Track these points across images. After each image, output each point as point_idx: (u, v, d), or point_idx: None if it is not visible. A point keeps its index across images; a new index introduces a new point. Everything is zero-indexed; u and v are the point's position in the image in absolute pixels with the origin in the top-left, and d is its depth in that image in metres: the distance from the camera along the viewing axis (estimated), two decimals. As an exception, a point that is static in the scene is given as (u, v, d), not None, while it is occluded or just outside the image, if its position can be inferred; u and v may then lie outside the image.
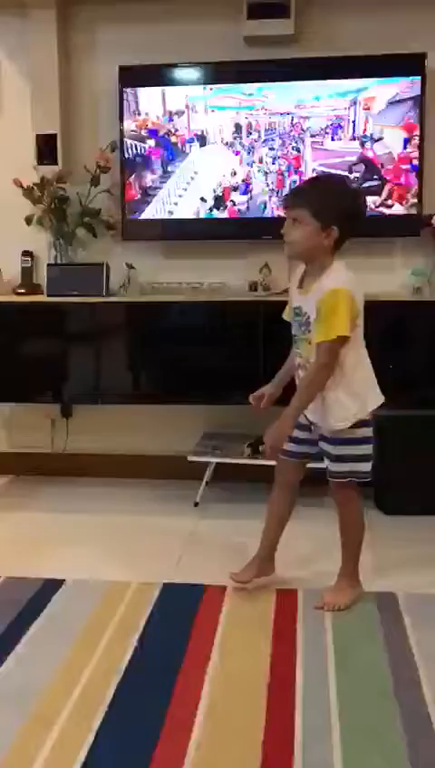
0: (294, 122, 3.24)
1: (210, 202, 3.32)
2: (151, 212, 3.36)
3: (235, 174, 3.29)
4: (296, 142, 3.24)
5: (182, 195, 3.35)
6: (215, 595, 2.37)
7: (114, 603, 2.32)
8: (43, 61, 3.35)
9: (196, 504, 3.24)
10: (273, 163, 3.27)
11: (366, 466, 2.26)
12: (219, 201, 3.31)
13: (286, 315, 2.35)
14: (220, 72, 3.28)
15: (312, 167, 3.25)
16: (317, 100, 3.21)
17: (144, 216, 3.37)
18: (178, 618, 2.24)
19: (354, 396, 2.19)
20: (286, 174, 3.27)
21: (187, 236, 3.40)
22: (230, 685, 1.90)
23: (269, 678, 1.92)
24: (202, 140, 3.31)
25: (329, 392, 2.17)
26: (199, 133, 3.30)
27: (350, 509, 2.34)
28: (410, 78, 3.14)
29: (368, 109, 3.19)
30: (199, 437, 3.45)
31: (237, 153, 3.29)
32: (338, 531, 2.36)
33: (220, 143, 3.30)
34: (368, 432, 2.24)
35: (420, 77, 3.14)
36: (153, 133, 3.32)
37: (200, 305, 3.19)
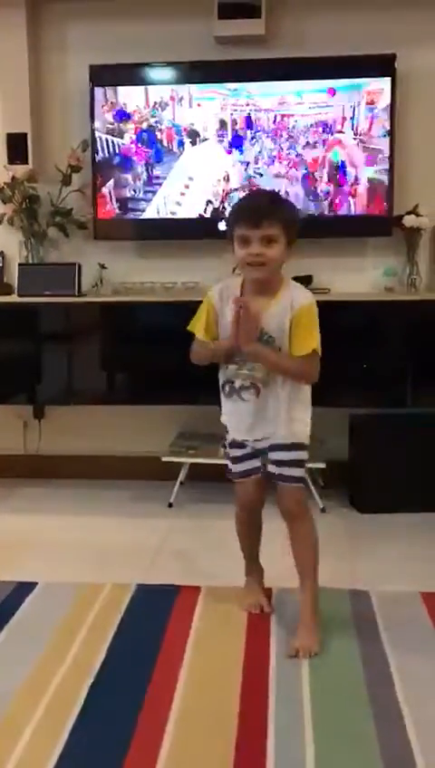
0: (277, 121, 3.24)
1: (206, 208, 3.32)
2: (126, 212, 3.36)
3: (227, 179, 3.29)
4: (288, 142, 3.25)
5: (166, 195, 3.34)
6: (188, 596, 2.37)
7: (87, 605, 2.31)
8: (12, 59, 3.32)
9: (170, 505, 3.23)
10: (272, 164, 3.27)
11: (300, 472, 2.18)
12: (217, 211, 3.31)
13: (203, 335, 2.15)
14: (191, 72, 3.27)
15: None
16: (299, 95, 3.22)
17: (115, 215, 3.36)
18: (152, 619, 2.23)
19: (306, 415, 2.17)
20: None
21: (159, 236, 3.39)
22: (203, 685, 1.90)
23: (242, 678, 1.92)
24: (190, 139, 3.31)
25: (293, 411, 2.12)
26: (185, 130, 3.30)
27: (309, 517, 2.19)
28: (381, 78, 3.16)
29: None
30: (173, 438, 3.44)
31: (229, 152, 3.29)
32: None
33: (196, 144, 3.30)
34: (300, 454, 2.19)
35: (389, 78, 3.16)
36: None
37: (174, 305, 3.19)
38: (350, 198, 3.26)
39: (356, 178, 3.24)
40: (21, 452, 3.67)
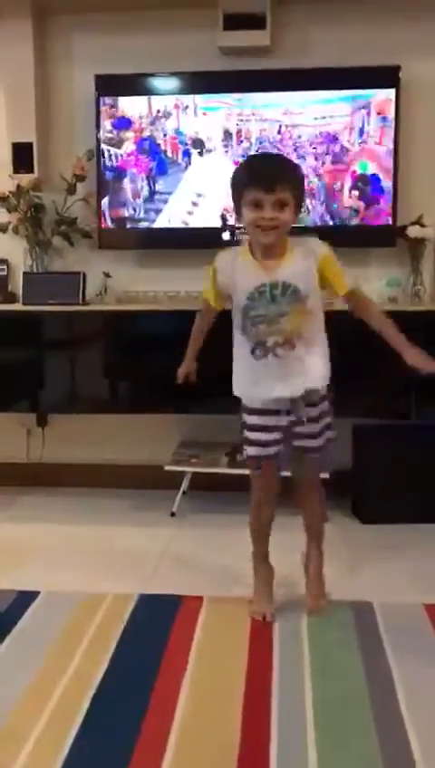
0: (282, 131, 3.25)
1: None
2: (131, 220, 3.37)
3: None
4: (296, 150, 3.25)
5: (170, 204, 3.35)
6: (191, 606, 2.36)
7: (89, 615, 2.30)
8: (19, 70, 3.34)
9: (172, 514, 3.23)
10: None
11: (333, 434, 2.31)
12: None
13: (216, 301, 2.25)
14: (196, 82, 3.29)
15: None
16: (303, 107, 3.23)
17: (120, 224, 3.37)
18: (155, 629, 2.22)
19: (328, 358, 2.25)
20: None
21: (163, 245, 3.40)
22: (206, 695, 1.89)
23: (245, 688, 1.92)
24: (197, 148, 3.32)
25: (322, 347, 2.21)
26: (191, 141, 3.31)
27: (322, 491, 2.37)
28: (385, 89, 3.17)
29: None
30: (176, 446, 3.44)
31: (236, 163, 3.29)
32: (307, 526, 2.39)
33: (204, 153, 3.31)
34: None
35: (394, 89, 3.17)
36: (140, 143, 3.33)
37: (177, 314, 3.19)
38: (354, 209, 3.26)
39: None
40: (24, 460, 3.67)
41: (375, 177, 3.23)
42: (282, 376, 2.15)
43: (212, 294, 2.24)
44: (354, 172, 3.24)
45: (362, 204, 3.26)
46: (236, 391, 2.25)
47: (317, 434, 2.25)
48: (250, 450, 2.26)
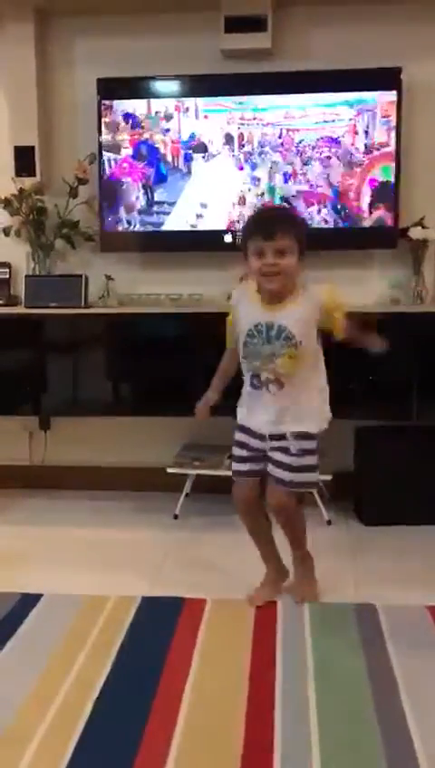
0: (283, 135, 3.25)
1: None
2: (131, 224, 3.37)
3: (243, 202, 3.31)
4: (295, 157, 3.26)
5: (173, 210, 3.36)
6: (194, 608, 2.36)
7: (93, 618, 2.31)
8: (20, 73, 3.35)
9: (175, 517, 3.23)
10: (285, 182, 3.28)
11: (314, 477, 2.36)
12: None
13: (232, 343, 2.40)
14: (198, 85, 3.29)
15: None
16: (303, 109, 3.23)
17: (122, 227, 3.37)
18: (158, 632, 2.23)
19: (324, 400, 2.33)
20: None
21: (165, 248, 3.40)
22: (209, 698, 1.89)
23: (248, 691, 1.91)
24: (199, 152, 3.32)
25: (310, 392, 2.29)
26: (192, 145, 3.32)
27: (298, 517, 2.41)
28: (387, 92, 3.18)
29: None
30: (179, 449, 3.44)
31: (241, 168, 3.30)
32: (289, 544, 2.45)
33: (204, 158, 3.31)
34: (315, 445, 2.32)
35: (395, 91, 3.17)
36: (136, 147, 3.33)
37: (179, 316, 3.20)
38: (357, 211, 3.26)
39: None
40: (26, 462, 3.67)
41: (376, 179, 3.23)
42: (270, 410, 2.28)
43: (230, 336, 2.38)
44: (356, 174, 3.24)
45: (363, 206, 3.26)
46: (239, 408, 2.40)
47: (294, 468, 2.28)
48: (232, 464, 2.41)
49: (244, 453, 2.36)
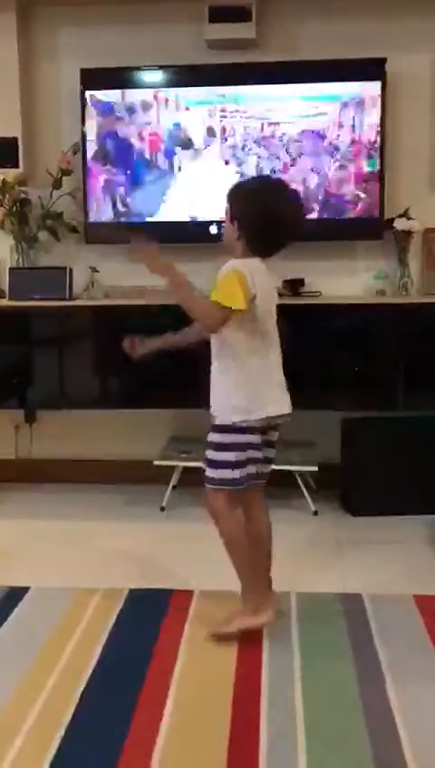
0: (264, 128, 3.24)
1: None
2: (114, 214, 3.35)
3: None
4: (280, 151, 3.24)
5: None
6: (182, 600, 2.36)
7: (80, 610, 2.30)
8: (3, 64, 3.32)
9: (162, 509, 3.23)
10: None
11: (228, 473, 2.07)
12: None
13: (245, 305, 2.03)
14: (183, 75, 3.28)
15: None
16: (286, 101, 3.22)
17: (106, 218, 3.36)
18: (145, 623, 2.23)
19: (238, 388, 2.07)
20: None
21: (151, 239, 3.38)
22: (196, 690, 1.89)
23: (235, 680, 1.92)
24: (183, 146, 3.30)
25: (221, 375, 2.10)
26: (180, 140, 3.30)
27: (219, 519, 2.15)
28: (371, 82, 3.17)
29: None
30: (166, 441, 3.43)
31: (227, 162, 3.29)
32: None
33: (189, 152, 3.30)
34: (240, 439, 2.07)
35: (380, 81, 3.17)
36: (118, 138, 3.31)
37: (165, 308, 3.18)
38: (342, 202, 3.26)
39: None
40: (12, 456, 3.66)
41: (361, 171, 3.23)
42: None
43: (245, 297, 2.00)
44: (340, 166, 3.24)
45: (348, 197, 3.26)
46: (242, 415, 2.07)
47: (208, 461, 2.11)
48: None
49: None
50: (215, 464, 2.09)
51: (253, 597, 2.12)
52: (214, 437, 2.09)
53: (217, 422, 2.09)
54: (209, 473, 2.10)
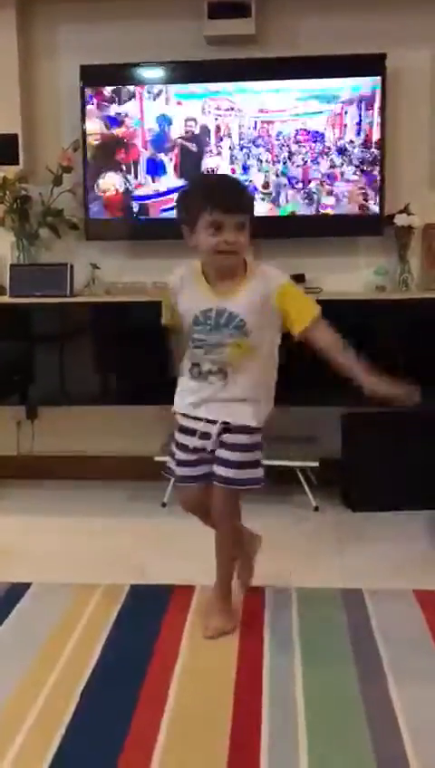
0: (263, 124, 3.24)
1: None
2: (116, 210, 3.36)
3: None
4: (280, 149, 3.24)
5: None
6: (183, 595, 2.37)
7: (81, 606, 2.31)
8: (2, 60, 3.31)
9: (163, 505, 3.23)
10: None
11: (260, 472, 2.10)
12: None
13: (169, 320, 2.14)
14: (183, 71, 3.27)
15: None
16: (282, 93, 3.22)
17: (107, 215, 3.36)
18: (146, 619, 2.23)
19: (269, 396, 2.13)
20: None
21: (151, 236, 3.39)
22: (197, 686, 1.90)
23: (236, 676, 1.93)
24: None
25: (267, 380, 2.10)
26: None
27: (235, 521, 2.21)
28: (371, 78, 3.17)
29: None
30: (166, 437, 3.43)
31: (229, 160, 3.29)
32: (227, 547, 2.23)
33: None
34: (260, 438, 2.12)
35: (380, 77, 3.17)
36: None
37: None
38: (342, 198, 3.26)
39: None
40: (14, 452, 3.66)
41: (361, 167, 3.23)
42: (206, 400, 2.07)
43: (166, 312, 2.12)
44: (341, 162, 3.24)
45: (349, 193, 3.26)
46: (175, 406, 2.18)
47: (234, 463, 2.07)
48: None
49: (181, 455, 2.16)
50: (254, 464, 2.08)
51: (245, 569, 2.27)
52: (244, 439, 2.06)
53: (255, 424, 2.07)
54: (238, 474, 2.06)
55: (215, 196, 1.93)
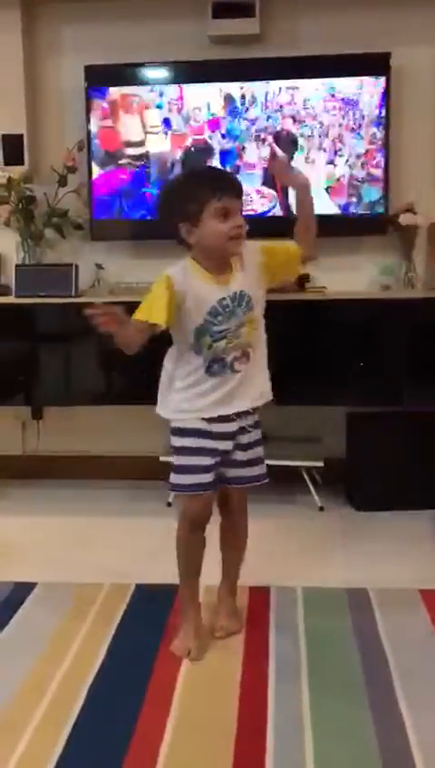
0: (268, 123, 3.24)
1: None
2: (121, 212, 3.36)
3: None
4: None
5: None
6: (188, 595, 2.37)
7: (87, 606, 2.32)
8: (8, 61, 3.32)
9: (169, 504, 3.24)
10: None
11: (265, 467, 2.14)
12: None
13: (166, 320, 2.00)
14: (187, 71, 3.27)
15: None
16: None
17: (112, 216, 3.36)
18: (152, 618, 2.24)
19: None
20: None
21: (155, 236, 3.38)
22: (203, 685, 1.91)
23: (242, 676, 1.93)
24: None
25: (263, 358, 2.08)
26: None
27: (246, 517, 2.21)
28: (375, 77, 3.16)
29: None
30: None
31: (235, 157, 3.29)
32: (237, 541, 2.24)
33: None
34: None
35: (384, 76, 3.16)
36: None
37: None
38: (347, 197, 3.26)
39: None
40: (19, 452, 3.67)
41: (366, 166, 3.23)
42: (231, 393, 2.03)
43: (165, 309, 1.98)
44: (345, 162, 3.23)
45: (353, 192, 3.26)
46: (175, 414, 2.15)
47: (253, 461, 2.11)
48: (187, 479, 2.10)
49: (207, 461, 2.07)
50: (263, 459, 2.14)
51: None
52: (256, 435, 2.11)
53: (271, 396, 2.11)
54: (253, 471, 2.11)
55: (221, 183, 1.94)
